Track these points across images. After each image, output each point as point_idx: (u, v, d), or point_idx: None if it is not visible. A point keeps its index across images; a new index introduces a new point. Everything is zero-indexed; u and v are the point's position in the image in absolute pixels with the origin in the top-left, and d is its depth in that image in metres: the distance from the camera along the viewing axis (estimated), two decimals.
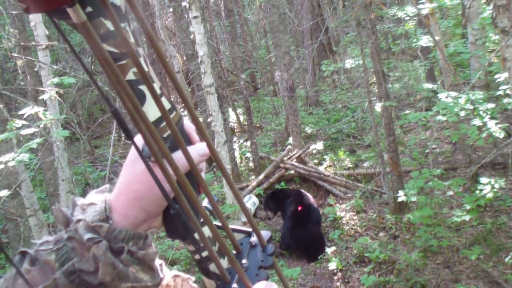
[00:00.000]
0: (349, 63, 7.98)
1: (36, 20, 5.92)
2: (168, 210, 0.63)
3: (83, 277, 0.55)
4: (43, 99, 5.48)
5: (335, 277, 6.08)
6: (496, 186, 4.51)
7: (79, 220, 0.57)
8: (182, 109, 9.49)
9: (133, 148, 0.62)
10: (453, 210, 5.91)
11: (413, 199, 5.20)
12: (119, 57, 0.56)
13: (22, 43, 6.27)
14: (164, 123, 0.61)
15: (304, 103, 12.46)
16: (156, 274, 0.61)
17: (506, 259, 5.01)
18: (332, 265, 6.20)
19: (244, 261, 0.67)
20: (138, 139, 0.60)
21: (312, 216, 6.72)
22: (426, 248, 5.76)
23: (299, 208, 6.73)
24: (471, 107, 4.62)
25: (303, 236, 6.49)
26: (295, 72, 9.62)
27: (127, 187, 0.60)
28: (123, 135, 13.00)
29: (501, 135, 4.54)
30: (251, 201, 7.82)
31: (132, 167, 0.61)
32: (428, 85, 6.56)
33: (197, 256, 0.73)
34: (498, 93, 5.20)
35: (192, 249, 0.72)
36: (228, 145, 6.84)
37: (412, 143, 8.25)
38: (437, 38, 6.15)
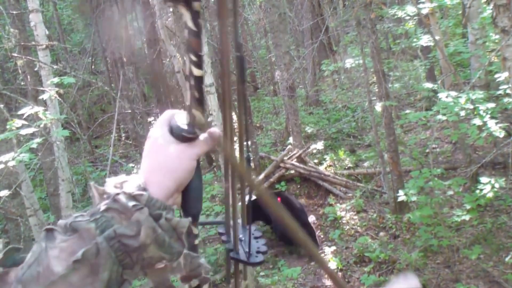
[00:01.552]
0: (349, 62, 7.98)
1: (36, 20, 5.92)
2: (185, 189, 0.72)
3: (123, 241, 0.61)
4: (43, 99, 5.48)
5: None
6: (496, 185, 4.51)
7: (117, 194, 0.64)
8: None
9: (154, 136, 0.71)
10: (453, 209, 5.91)
11: (413, 198, 5.20)
12: None
13: (22, 43, 6.27)
14: None
15: (304, 102, 12.45)
16: (183, 244, 0.67)
17: (506, 259, 5.01)
18: (332, 265, 6.20)
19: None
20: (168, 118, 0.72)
21: (295, 204, 6.73)
22: (426, 247, 5.76)
23: (279, 199, 6.72)
24: (471, 107, 4.61)
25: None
26: (295, 72, 9.62)
27: (160, 164, 0.69)
28: (123, 135, 13.01)
29: (501, 134, 4.54)
30: None
31: (160, 150, 0.70)
32: (428, 85, 6.56)
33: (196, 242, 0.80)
34: (498, 92, 5.20)
35: (196, 232, 0.79)
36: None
37: (412, 143, 8.25)
38: (437, 37, 6.15)
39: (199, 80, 0.65)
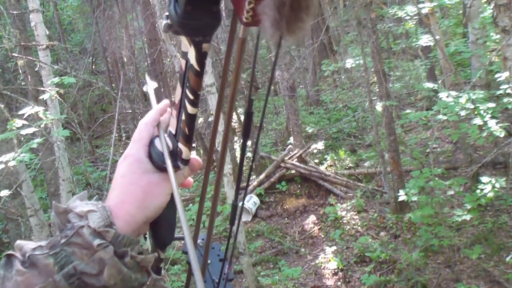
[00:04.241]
0: (349, 62, 7.97)
1: (36, 20, 5.92)
2: (157, 219, 0.68)
3: (84, 279, 0.57)
4: (43, 99, 5.48)
5: (336, 277, 6.08)
6: (497, 185, 4.51)
7: (81, 227, 0.59)
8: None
9: (130, 160, 0.67)
10: (454, 209, 5.90)
11: (414, 198, 5.20)
12: None
13: (22, 43, 6.26)
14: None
15: (305, 102, 12.45)
16: (149, 274, 0.65)
17: (507, 259, 5.00)
18: (333, 265, 6.20)
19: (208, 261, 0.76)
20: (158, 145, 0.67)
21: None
22: (427, 247, 5.76)
23: None
24: (472, 107, 4.61)
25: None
26: (296, 72, 9.62)
27: (132, 196, 0.65)
28: (124, 135, 13.02)
29: (502, 134, 4.53)
30: (251, 201, 7.82)
31: (134, 178, 0.66)
32: (429, 85, 6.56)
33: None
34: (499, 92, 5.19)
35: (163, 257, 0.79)
36: (229, 145, 6.84)
37: (413, 143, 8.24)
38: (437, 37, 6.15)
39: (192, 117, 0.63)
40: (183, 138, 0.65)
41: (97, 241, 0.58)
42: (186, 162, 0.68)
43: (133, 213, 0.64)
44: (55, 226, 0.62)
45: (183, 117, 0.64)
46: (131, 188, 0.65)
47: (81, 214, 0.61)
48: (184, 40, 0.57)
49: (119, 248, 0.60)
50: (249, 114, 0.62)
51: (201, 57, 0.57)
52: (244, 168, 9.91)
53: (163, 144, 0.65)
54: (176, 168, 0.66)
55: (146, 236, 0.76)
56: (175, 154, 0.66)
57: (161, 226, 0.70)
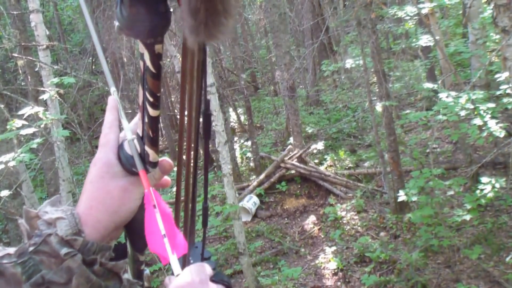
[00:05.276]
0: (349, 62, 7.97)
1: (36, 20, 5.92)
2: (131, 223, 0.68)
3: None
4: (43, 99, 5.48)
5: (336, 277, 6.08)
6: (497, 185, 4.51)
7: (49, 235, 0.59)
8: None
9: (99, 164, 0.66)
10: (453, 209, 5.90)
11: (414, 198, 5.19)
12: None
13: (22, 43, 6.27)
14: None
15: (305, 102, 12.45)
16: (121, 280, 0.64)
17: (507, 259, 5.00)
18: (333, 265, 6.20)
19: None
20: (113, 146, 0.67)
21: None
22: (427, 247, 5.76)
23: None
24: (472, 107, 4.61)
25: None
26: (296, 72, 9.61)
27: (100, 202, 0.64)
28: None
29: (502, 134, 4.53)
30: (251, 201, 7.82)
31: (101, 183, 0.65)
32: (429, 85, 6.56)
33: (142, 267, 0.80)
34: (499, 92, 5.19)
35: (142, 259, 0.78)
36: (229, 145, 6.84)
37: (413, 143, 8.24)
38: (437, 37, 6.15)
39: (155, 120, 0.62)
40: (149, 140, 0.64)
41: (64, 250, 0.57)
42: (155, 164, 0.66)
43: (101, 219, 0.63)
44: (23, 233, 0.61)
45: (146, 120, 0.63)
46: (98, 193, 0.64)
47: (50, 222, 0.60)
48: (141, 47, 0.56)
49: (88, 256, 0.59)
50: (207, 116, 0.61)
51: (155, 59, 0.56)
52: (244, 168, 9.90)
53: (132, 147, 0.64)
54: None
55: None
56: (142, 157, 0.65)
57: (136, 230, 0.69)
